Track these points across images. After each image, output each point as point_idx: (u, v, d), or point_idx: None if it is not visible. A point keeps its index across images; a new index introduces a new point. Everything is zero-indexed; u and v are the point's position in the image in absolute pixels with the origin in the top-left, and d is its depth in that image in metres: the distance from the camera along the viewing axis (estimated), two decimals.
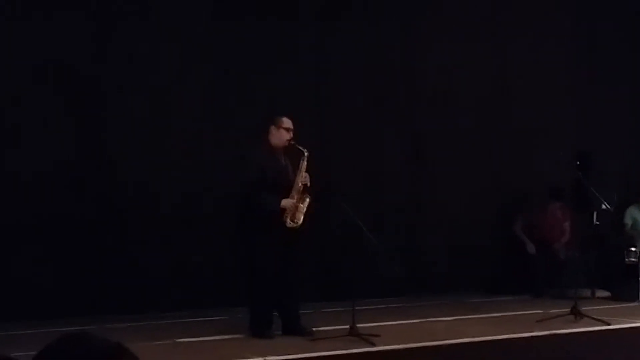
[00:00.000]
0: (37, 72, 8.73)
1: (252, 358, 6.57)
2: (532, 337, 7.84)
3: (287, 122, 7.78)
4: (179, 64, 9.46)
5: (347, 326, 7.34)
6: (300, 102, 9.63)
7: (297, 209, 7.61)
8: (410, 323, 8.65)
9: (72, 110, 8.88)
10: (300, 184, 7.69)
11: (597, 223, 9.60)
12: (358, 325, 7.35)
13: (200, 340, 7.49)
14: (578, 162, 9.57)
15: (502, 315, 9.23)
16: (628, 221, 11.56)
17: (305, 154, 7.71)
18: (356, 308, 7.40)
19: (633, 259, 10.77)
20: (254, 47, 9.79)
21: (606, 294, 10.89)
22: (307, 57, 10.29)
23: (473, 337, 7.66)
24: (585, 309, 8.70)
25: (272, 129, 7.78)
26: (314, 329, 7.67)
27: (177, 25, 9.49)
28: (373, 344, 7.10)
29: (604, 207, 9.47)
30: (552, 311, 8.84)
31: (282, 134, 7.75)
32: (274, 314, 7.70)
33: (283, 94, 9.67)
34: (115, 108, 9.16)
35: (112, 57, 9.13)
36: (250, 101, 9.59)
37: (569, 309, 8.62)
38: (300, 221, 7.61)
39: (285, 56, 10.03)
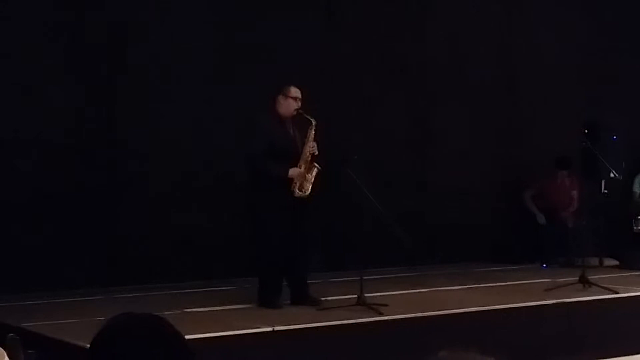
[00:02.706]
0: (49, 38, 8.69)
1: (260, 327, 6.58)
2: (541, 305, 7.85)
3: (295, 92, 7.73)
4: (185, 34, 9.40)
5: (355, 296, 7.35)
6: (307, 72, 9.56)
7: (305, 178, 7.58)
8: (419, 292, 8.66)
9: (79, 79, 8.85)
10: (308, 154, 7.66)
11: (606, 191, 9.57)
12: (366, 294, 7.35)
13: (209, 310, 7.51)
14: (586, 131, 9.50)
15: (510, 284, 9.23)
16: (636, 189, 11.54)
17: (313, 123, 7.66)
18: (364, 278, 7.40)
19: None
20: (261, 15, 9.74)
21: (614, 262, 10.88)
22: (314, 27, 10.22)
23: (481, 306, 7.66)
24: (593, 277, 8.68)
25: (280, 98, 7.73)
26: (322, 298, 7.68)
27: None
28: (381, 314, 7.10)
29: (612, 175, 9.44)
30: (560, 280, 8.83)
31: (290, 103, 7.70)
32: (283, 283, 7.71)
33: (290, 63, 9.61)
34: (122, 78, 9.11)
35: (117, 30, 9.09)
36: (257, 69, 9.52)
37: (577, 278, 8.61)
38: (309, 191, 7.58)
39: (292, 25, 9.96)
